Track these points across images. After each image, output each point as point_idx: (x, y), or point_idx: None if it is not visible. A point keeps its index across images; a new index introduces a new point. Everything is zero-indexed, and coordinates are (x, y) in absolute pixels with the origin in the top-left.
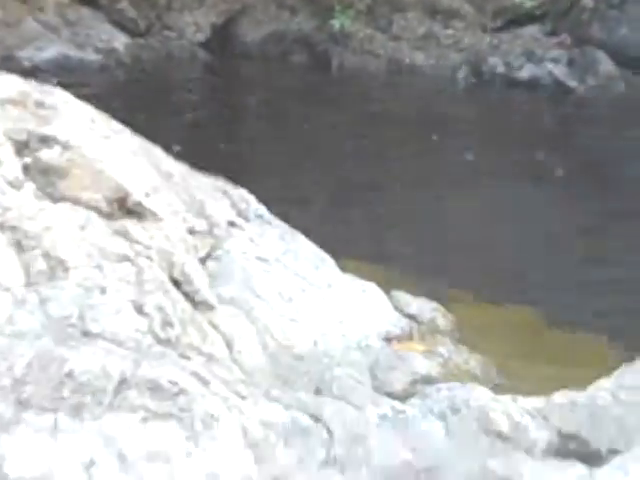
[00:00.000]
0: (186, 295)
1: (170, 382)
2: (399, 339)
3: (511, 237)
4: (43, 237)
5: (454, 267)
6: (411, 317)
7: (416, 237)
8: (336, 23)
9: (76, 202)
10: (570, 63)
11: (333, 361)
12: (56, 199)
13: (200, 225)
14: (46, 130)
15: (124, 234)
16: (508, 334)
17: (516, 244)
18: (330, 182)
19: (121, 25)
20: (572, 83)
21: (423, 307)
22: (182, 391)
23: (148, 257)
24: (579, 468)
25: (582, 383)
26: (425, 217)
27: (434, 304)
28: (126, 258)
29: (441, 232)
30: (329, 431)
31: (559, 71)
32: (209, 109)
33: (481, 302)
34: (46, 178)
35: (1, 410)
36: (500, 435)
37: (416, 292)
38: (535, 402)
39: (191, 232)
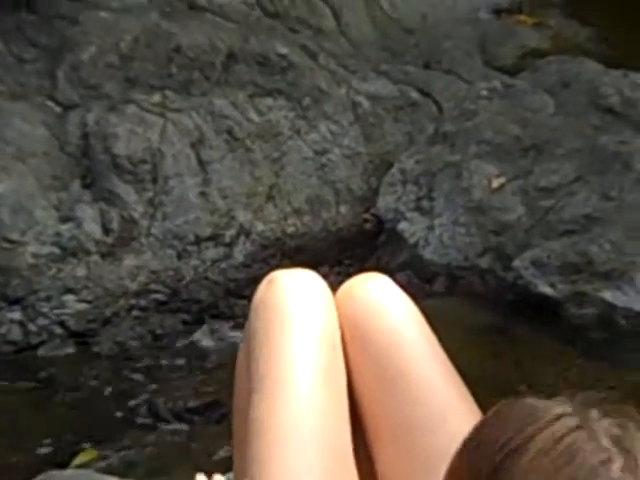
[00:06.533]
0: None
1: (279, 55)
2: (508, 11)
3: None
4: None
5: None
6: None
7: None
8: None
9: None
10: None
11: (442, 34)
12: None
13: None
14: None
15: None
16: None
17: None
18: None
19: None
20: None
21: None
22: (291, 65)
23: None
24: None
25: None
26: None
27: None
28: None
29: None
30: (438, 106)
31: None
32: None
33: None
34: None
35: (110, 89)
36: (611, 110)
37: None
38: None
39: None
